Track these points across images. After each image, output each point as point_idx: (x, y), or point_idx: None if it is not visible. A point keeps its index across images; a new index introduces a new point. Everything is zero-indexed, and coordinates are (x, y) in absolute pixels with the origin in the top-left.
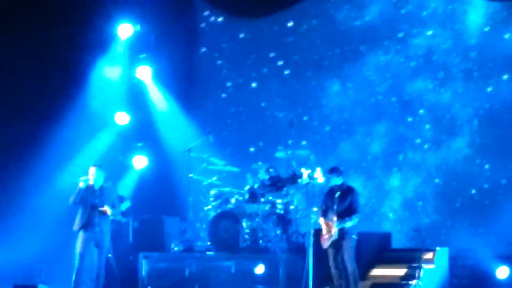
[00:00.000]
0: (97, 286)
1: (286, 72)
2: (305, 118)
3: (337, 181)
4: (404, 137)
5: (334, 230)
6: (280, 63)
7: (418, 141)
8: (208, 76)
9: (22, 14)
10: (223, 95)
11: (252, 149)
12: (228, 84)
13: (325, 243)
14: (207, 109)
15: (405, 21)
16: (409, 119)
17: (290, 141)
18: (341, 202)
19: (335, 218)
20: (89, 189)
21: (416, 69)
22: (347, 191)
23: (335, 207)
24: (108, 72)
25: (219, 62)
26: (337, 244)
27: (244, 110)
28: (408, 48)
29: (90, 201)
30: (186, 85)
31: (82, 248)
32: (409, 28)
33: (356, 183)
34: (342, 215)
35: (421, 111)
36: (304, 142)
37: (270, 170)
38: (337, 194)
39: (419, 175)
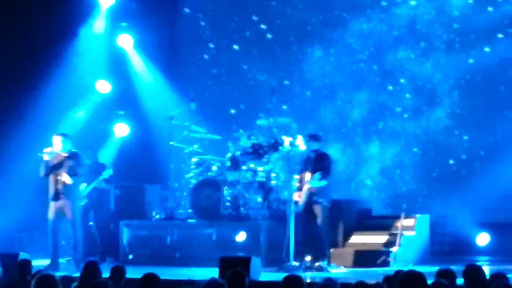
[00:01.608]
0: (75, 256)
1: (269, 35)
2: (286, 82)
3: (314, 146)
4: (384, 105)
5: (305, 190)
6: (263, 26)
7: (398, 109)
8: (191, 37)
9: None
10: (205, 56)
11: (233, 111)
12: (211, 45)
13: (299, 205)
14: (189, 76)
15: None
16: (390, 88)
17: (270, 105)
18: (314, 165)
19: (309, 175)
20: (55, 159)
21: (398, 38)
22: (321, 157)
23: (308, 168)
24: (89, 40)
25: (202, 23)
26: (308, 209)
27: (226, 72)
28: (391, 17)
29: (54, 171)
30: (168, 53)
31: (52, 218)
32: None
33: (335, 149)
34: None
35: (402, 80)
36: (284, 107)
37: (252, 137)
38: (312, 159)
39: (398, 144)
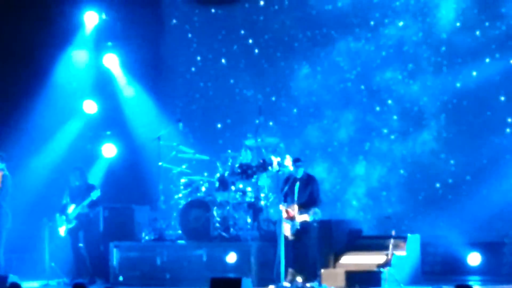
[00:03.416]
0: None
1: (256, 50)
2: (273, 98)
3: (301, 170)
4: (371, 126)
5: (296, 219)
6: (250, 41)
7: (385, 131)
8: (178, 49)
9: None
10: (193, 69)
11: (219, 125)
12: (198, 58)
13: (286, 231)
14: (176, 89)
15: (377, 10)
16: (377, 109)
17: (258, 125)
18: (302, 192)
19: (296, 208)
20: None
21: (386, 58)
22: (308, 180)
23: (295, 197)
24: (75, 60)
25: (190, 35)
26: (299, 233)
27: (213, 86)
28: (379, 37)
29: None
30: (154, 71)
31: None
32: (380, 18)
33: (321, 168)
34: (304, 206)
35: (389, 101)
36: (271, 123)
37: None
38: (297, 184)
39: (384, 165)
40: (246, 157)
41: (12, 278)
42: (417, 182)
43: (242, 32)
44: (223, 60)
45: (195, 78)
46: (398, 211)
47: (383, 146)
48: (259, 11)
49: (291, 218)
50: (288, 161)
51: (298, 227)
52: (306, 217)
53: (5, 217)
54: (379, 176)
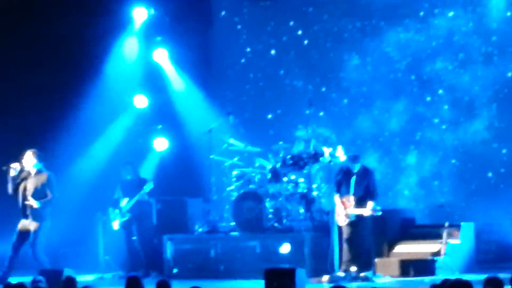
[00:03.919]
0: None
1: (305, 42)
2: (323, 89)
3: (358, 166)
4: (422, 116)
5: (352, 212)
6: (300, 32)
7: (436, 120)
8: (228, 41)
9: (38, 1)
10: (242, 60)
11: (269, 116)
12: (248, 49)
13: (340, 221)
14: (226, 81)
15: (427, 1)
16: (428, 99)
17: (308, 116)
18: (358, 185)
19: (352, 199)
20: (22, 175)
21: (436, 49)
22: (364, 174)
23: (351, 191)
24: (125, 56)
25: (239, 27)
26: (353, 224)
27: (262, 76)
28: (429, 28)
29: (23, 188)
30: (203, 64)
31: (17, 233)
32: (430, 8)
33: (372, 158)
34: (361, 199)
35: (440, 91)
36: (321, 114)
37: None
38: (354, 178)
39: (435, 155)
40: (298, 148)
41: (67, 272)
42: (469, 171)
43: (291, 23)
44: (272, 52)
45: (245, 69)
46: (450, 200)
47: (434, 136)
48: (308, 2)
49: (346, 209)
50: (340, 152)
51: (353, 219)
52: (363, 212)
53: (46, 218)
54: (430, 166)
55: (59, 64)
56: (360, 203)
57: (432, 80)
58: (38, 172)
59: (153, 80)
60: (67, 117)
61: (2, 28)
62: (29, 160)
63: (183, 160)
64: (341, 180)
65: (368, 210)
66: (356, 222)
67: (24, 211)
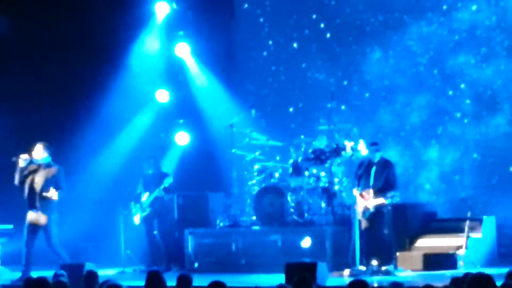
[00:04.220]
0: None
1: (328, 35)
2: (345, 82)
3: (378, 155)
4: (444, 110)
5: (371, 204)
6: (322, 25)
7: (458, 115)
8: (250, 34)
9: None
10: (264, 53)
11: (291, 109)
12: (270, 42)
13: (360, 214)
14: (248, 74)
15: None
16: (450, 93)
17: (330, 110)
18: (378, 176)
19: (371, 192)
20: (30, 168)
21: (458, 43)
22: (384, 165)
23: (371, 181)
24: (147, 50)
25: (261, 19)
26: (372, 217)
27: (284, 69)
28: (452, 22)
29: (31, 180)
30: (225, 59)
31: (26, 227)
32: (453, 2)
33: (394, 152)
34: (381, 190)
35: (462, 86)
36: (343, 107)
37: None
38: (374, 168)
39: (457, 149)
40: (320, 142)
41: (89, 266)
42: (491, 166)
43: (314, 16)
44: (294, 45)
45: (267, 62)
46: (471, 194)
47: (456, 130)
48: None
49: (366, 202)
50: (362, 146)
51: (373, 210)
52: (382, 200)
53: (54, 210)
54: (452, 160)
55: (82, 59)
56: (379, 193)
57: (454, 74)
58: (48, 165)
59: (175, 75)
60: (90, 111)
61: (26, 23)
62: (39, 152)
63: (204, 154)
64: (361, 173)
65: (386, 198)
66: (376, 214)
67: (31, 203)
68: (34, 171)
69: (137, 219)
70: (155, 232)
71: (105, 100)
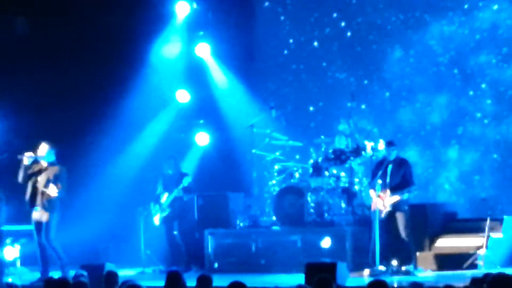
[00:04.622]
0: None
1: (348, 34)
2: (365, 81)
3: (394, 153)
4: (464, 110)
5: (388, 202)
6: (343, 24)
7: (478, 115)
8: (270, 32)
9: None
10: (285, 52)
11: (311, 108)
12: (290, 40)
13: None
14: (268, 72)
15: None
16: (471, 93)
17: (349, 104)
18: (395, 174)
19: (388, 191)
20: (35, 166)
21: (480, 42)
22: (400, 163)
23: (388, 179)
24: (167, 50)
25: (282, 18)
26: (391, 216)
27: (305, 68)
28: (473, 21)
29: (33, 178)
30: (246, 58)
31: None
32: (475, 1)
33: (413, 152)
34: (396, 188)
35: (483, 86)
36: (363, 106)
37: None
38: (390, 166)
39: (477, 149)
40: (340, 143)
41: (109, 266)
42: (511, 166)
43: (335, 15)
44: (315, 43)
45: (287, 61)
46: (491, 195)
47: (476, 130)
48: None
49: (383, 202)
50: (382, 146)
51: (390, 209)
52: (397, 198)
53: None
54: (472, 160)
55: (102, 59)
56: (396, 191)
57: (475, 74)
58: (51, 164)
59: (195, 75)
60: (110, 111)
61: (46, 23)
62: (44, 152)
63: (224, 154)
64: (377, 172)
65: (403, 194)
66: (394, 213)
67: (33, 202)
68: (38, 170)
69: (156, 220)
70: (175, 233)
71: (125, 101)
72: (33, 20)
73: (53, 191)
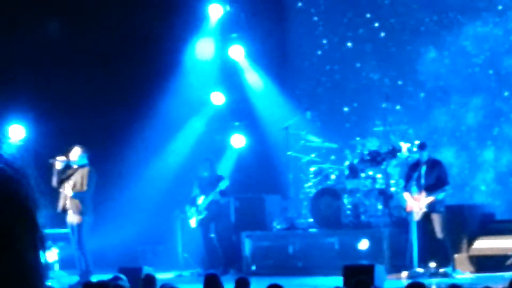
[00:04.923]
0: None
1: (382, 34)
2: (399, 82)
3: (425, 155)
4: (500, 111)
5: (424, 203)
6: (376, 24)
7: None
8: (304, 33)
9: None
10: (319, 52)
11: (346, 109)
12: (324, 41)
13: (416, 216)
14: (302, 72)
15: None
16: (506, 94)
17: (383, 105)
18: (429, 175)
19: (423, 193)
20: (68, 172)
21: None
22: (433, 164)
23: (422, 181)
24: (201, 53)
25: (315, 18)
26: (427, 217)
27: (339, 69)
28: (507, 22)
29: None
30: (280, 60)
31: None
32: (509, 1)
33: (449, 153)
34: (431, 188)
35: None
36: (398, 107)
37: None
38: (424, 168)
39: None
40: (372, 144)
41: (147, 269)
42: None
43: (368, 15)
44: (349, 44)
45: (321, 61)
46: None
47: None
48: None
49: (418, 203)
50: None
51: (426, 210)
52: (432, 198)
53: (86, 212)
54: (508, 162)
55: (136, 62)
56: (431, 192)
57: (510, 75)
58: (81, 166)
59: (230, 77)
60: (145, 114)
61: (79, 26)
62: (76, 156)
63: (260, 157)
64: (411, 174)
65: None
66: (430, 214)
67: (64, 206)
68: (71, 174)
69: (193, 222)
70: (212, 235)
71: (161, 103)
72: (67, 23)
73: (68, 192)
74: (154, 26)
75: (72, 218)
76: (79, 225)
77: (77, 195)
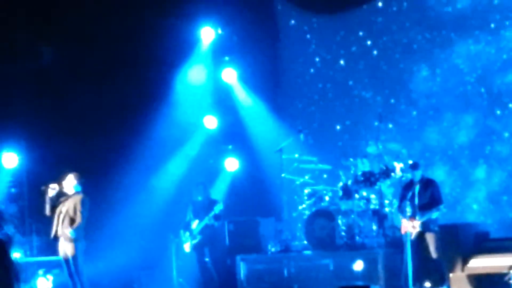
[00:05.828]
0: None
1: (375, 52)
2: (392, 100)
3: (418, 174)
4: (492, 130)
5: (418, 223)
6: (369, 42)
7: (506, 134)
8: (296, 50)
9: (106, 20)
10: (311, 70)
11: (338, 127)
12: (316, 59)
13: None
14: (295, 91)
15: (498, 12)
16: (498, 112)
17: (376, 123)
18: (422, 195)
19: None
20: (61, 199)
21: (507, 61)
22: (427, 184)
23: (416, 200)
24: (193, 77)
25: (308, 36)
26: (421, 237)
27: (331, 87)
28: (500, 40)
29: (59, 211)
30: (272, 80)
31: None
32: (501, 20)
33: (441, 171)
34: (425, 207)
35: (510, 105)
36: (390, 125)
37: (364, 159)
38: (417, 187)
39: (505, 169)
40: (369, 164)
41: None
42: None
43: (361, 33)
44: (341, 62)
45: (313, 79)
46: None
47: (504, 150)
48: (378, 12)
49: (412, 223)
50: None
51: (420, 229)
52: (426, 218)
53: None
54: (500, 180)
55: (128, 87)
56: (425, 211)
57: (502, 93)
58: (74, 194)
59: (223, 101)
60: (138, 139)
61: (70, 52)
62: (70, 183)
63: (254, 179)
64: (405, 194)
65: (431, 214)
66: (423, 233)
67: (57, 234)
68: (63, 202)
69: (187, 247)
70: (207, 259)
71: (154, 128)
72: (57, 49)
73: (67, 231)
74: (146, 51)
75: (64, 246)
76: (73, 257)
77: (73, 231)
